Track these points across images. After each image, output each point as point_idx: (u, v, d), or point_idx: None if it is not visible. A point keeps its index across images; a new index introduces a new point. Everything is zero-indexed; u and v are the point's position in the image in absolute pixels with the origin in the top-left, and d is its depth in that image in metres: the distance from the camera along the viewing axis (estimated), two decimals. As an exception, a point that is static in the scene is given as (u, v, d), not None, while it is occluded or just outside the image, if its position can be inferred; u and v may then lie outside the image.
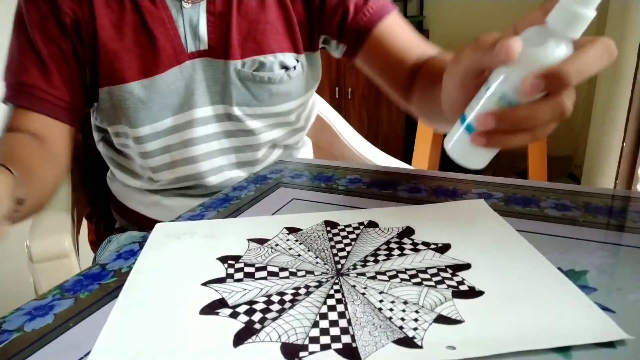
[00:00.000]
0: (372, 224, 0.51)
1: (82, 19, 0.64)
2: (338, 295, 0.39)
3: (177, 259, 0.47)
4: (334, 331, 0.35)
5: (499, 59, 0.34)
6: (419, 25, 2.72)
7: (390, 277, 0.41)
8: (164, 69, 0.66)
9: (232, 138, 0.74)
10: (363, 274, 0.42)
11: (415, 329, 0.34)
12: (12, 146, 0.60)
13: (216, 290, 0.41)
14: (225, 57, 0.68)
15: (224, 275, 0.43)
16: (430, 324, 0.35)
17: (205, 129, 0.71)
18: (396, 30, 0.71)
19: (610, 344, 0.32)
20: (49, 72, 0.65)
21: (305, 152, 0.90)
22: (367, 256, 0.45)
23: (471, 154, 0.39)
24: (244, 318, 0.37)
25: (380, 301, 0.38)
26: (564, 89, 0.34)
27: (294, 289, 0.40)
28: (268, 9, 0.70)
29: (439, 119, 0.65)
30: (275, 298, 0.39)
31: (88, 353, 0.34)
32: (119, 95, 0.66)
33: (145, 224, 0.59)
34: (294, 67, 0.72)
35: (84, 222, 0.91)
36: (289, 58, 0.71)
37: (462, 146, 0.40)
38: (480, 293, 0.38)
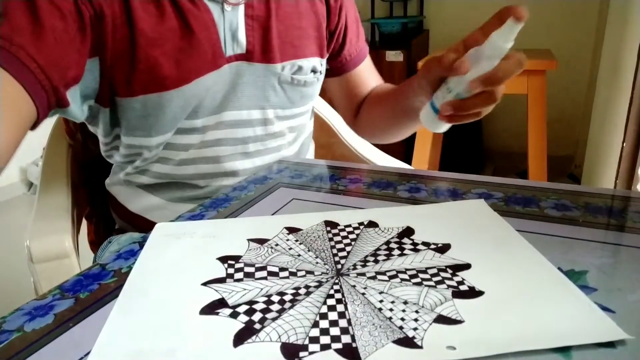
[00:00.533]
0: (372, 224, 0.51)
1: (117, 22, 0.59)
2: (338, 295, 0.39)
3: (177, 259, 0.47)
4: (334, 331, 0.35)
5: (457, 72, 0.52)
6: (419, 25, 2.72)
7: (390, 277, 0.41)
8: (203, 73, 0.64)
9: (257, 142, 0.73)
10: (363, 274, 0.42)
11: (415, 329, 0.34)
12: None
13: (216, 290, 0.41)
14: (265, 61, 0.68)
15: (224, 275, 0.43)
16: (430, 324, 0.35)
17: (234, 132, 0.70)
18: (365, 74, 0.86)
19: (610, 344, 0.32)
20: (44, 43, 0.54)
21: (307, 152, 0.90)
22: (367, 256, 0.45)
23: (436, 125, 0.59)
24: (244, 318, 0.37)
25: (380, 301, 0.38)
26: (496, 86, 0.52)
27: (294, 289, 0.40)
28: (302, 16, 0.72)
29: (379, 133, 0.87)
30: (275, 298, 0.39)
31: (88, 353, 0.34)
32: (157, 102, 0.63)
33: (146, 227, 0.58)
34: (320, 72, 0.76)
35: (84, 223, 0.91)
36: (316, 62, 0.74)
37: (430, 120, 0.59)
38: (480, 293, 0.38)
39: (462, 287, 0.39)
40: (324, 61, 0.78)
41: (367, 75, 0.86)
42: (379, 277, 0.41)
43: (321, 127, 1.09)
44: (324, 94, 0.91)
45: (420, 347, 0.32)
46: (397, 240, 0.47)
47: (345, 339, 0.34)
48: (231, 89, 0.68)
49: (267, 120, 0.72)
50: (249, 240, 0.49)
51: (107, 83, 0.62)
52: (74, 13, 0.57)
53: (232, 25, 0.66)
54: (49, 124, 0.93)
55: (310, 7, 0.74)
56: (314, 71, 0.74)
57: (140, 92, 0.63)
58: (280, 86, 0.71)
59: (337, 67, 0.83)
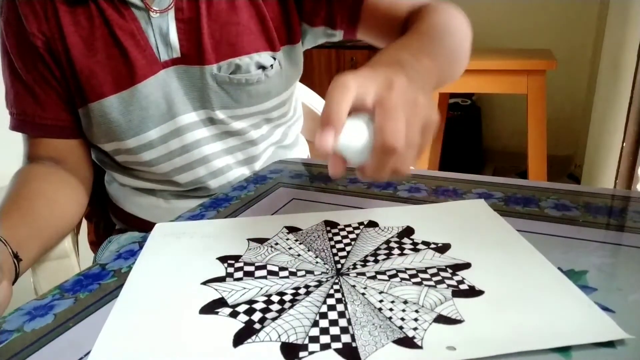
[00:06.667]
0: (372, 224, 0.51)
1: (51, 39, 0.64)
2: (338, 295, 0.39)
3: (177, 259, 0.47)
4: (334, 330, 0.35)
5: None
6: (419, 25, 2.71)
7: (390, 277, 0.41)
8: (139, 80, 0.65)
9: (221, 141, 0.73)
10: (363, 274, 0.42)
11: (415, 328, 0.34)
12: (24, 182, 0.63)
13: (216, 290, 0.41)
14: (199, 63, 0.67)
15: (223, 274, 0.43)
16: (430, 324, 0.35)
17: (194, 135, 0.70)
18: None
19: (610, 344, 0.32)
20: (39, 98, 0.66)
21: (301, 151, 0.89)
22: (367, 256, 0.45)
23: None
24: (243, 318, 0.37)
25: (380, 301, 0.38)
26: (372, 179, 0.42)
27: (294, 288, 0.40)
28: (239, 10, 0.68)
29: None
30: (275, 298, 0.39)
31: (88, 353, 0.34)
32: (100, 110, 0.66)
33: (144, 227, 0.59)
34: (271, 66, 0.71)
35: (84, 222, 0.91)
36: (265, 57, 0.70)
37: None
38: (480, 292, 0.38)
39: (462, 286, 0.39)
40: (280, 53, 0.72)
41: None
42: (379, 276, 0.41)
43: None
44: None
45: (420, 347, 0.32)
46: (397, 240, 0.47)
47: (345, 338, 0.34)
48: (173, 93, 0.68)
49: (219, 120, 0.71)
50: (248, 240, 0.49)
51: (71, 95, 0.68)
52: (36, 59, 0.65)
53: (162, 30, 0.66)
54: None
55: (249, 1, 0.69)
56: (262, 67, 0.70)
57: (85, 102, 0.66)
58: (219, 87, 0.68)
59: (347, 21, 0.71)
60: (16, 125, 0.69)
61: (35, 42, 0.64)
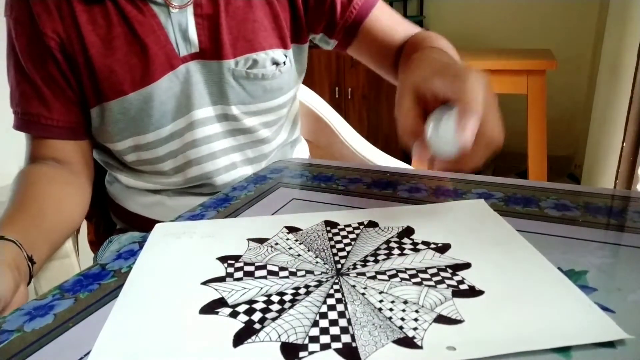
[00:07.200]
0: (372, 224, 0.51)
1: (67, 40, 0.64)
2: (338, 295, 0.39)
3: (177, 258, 0.47)
4: (334, 330, 0.35)
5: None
6: (419, 25, 2.72)
7: (390, 277, 0.41)
8: (159, 75, 0.66)
9: (232, 137, 0.74)
10: (363, 274, 0.42)
11: (415, 328, 0.34)
12: (30, 183, 0.63)
13: (216, 289, 0.41)
14: (218, 58, 0.68)
15: (223, 274, 0.43)
16: (430, 324, 0.35)
17: (206, 130, 0.71)
18: (382, 19, 0.77)
19: (610, 344, 0.32)
20: (46, 98, 0.66)
21: (301, 151, 0.90)
22: (367, 256, 0.45)
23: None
24: (243, 318, 0.37)
25: (380, 301, 0.38)
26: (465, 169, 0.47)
27: (294, 288, 0.40)
28: (255, 8, 0.71)
29: None
30: (275, 298, 0.39)
31: (88, 353, 0.34)
32: (120, 107, 0.66)
33: (147, 225, 0.59)
34: (284, 63, 0.74)
35: (84, 222, 0.91)
36: (278, 54, 0.73)
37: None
38: (480, 292, 0.38)
39: (462, 287, 0.39)
40: (290, 51, 0.75)
41: (387, 21, 0.77)
42: (379, 276, 0.41)
43: (321, 127, 1.09)
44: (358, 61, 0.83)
45: (420, 347, 0.32)
46: (397, 239, 0.47)
47: (345, 338, 0.34)
48: (191, 87, 0.69)
49: (232, 116, 0.72)
50: (248, 240, 0.49)
51: (82, 94, 0.68)
52: (47, 59, 0.64)
53: (181, 26, 0.67)
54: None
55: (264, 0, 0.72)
56: (276, 63, 0.72)
57: (101, 100, 0.66)
58: (236, 82, 0.70)
59: (343, 34, 0.77)
60: (20, 125, 0.68)
61: (49, 43, 0.63)
